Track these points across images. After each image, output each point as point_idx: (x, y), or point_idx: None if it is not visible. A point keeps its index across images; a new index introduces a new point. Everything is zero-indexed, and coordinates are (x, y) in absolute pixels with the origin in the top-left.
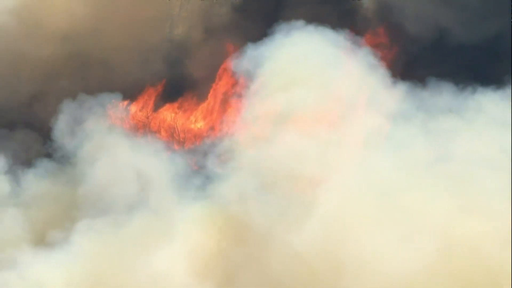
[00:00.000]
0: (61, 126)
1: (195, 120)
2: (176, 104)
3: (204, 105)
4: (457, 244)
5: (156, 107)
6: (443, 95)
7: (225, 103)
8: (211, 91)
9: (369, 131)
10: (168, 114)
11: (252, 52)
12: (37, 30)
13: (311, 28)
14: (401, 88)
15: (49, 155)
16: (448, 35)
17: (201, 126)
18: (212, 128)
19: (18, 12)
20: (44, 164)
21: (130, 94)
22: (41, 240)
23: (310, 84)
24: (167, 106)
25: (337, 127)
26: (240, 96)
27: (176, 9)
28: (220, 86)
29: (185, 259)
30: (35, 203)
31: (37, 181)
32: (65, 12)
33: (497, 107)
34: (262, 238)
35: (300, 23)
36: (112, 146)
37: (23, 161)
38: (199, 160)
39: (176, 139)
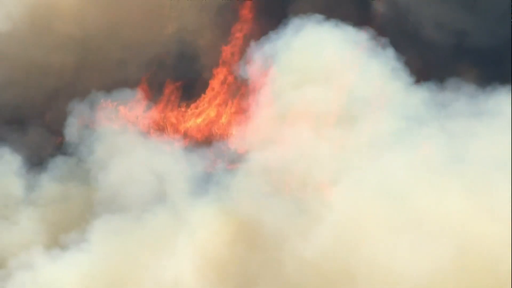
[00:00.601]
0: (74, 126)
1: (190, 118)
2: (174, 103)
3: (205, 103)
4: (473, 249)
5: (162, 107)
6: (461, 97)
7: (227, 101)
8: (211, 89)
9: (384, 133)
10: (168, 112)
11: (261, 48)
12: (48, 34)
13: (327, 24)
14: (419, 89)
15: (63, 155)
16: (467, 37)
17: (195, 124)
18: (213, 127)
19: (30, 19)
20: (59, 164)
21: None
22: (56, 240)
23: (323, 83)
24: (166, 104)
25: (351, 128)
26: (246, 95)
27: (179, 9)
28: (221, 84)
29: (198, 264)
30: (49, 203)
31: (52, 182)
32: (75, 17)
33: None
34: (275, 243)
35: (317, 17)
36: (125, 145)
37: (38, 161)
38: (211, 162)
39: (176, 138)
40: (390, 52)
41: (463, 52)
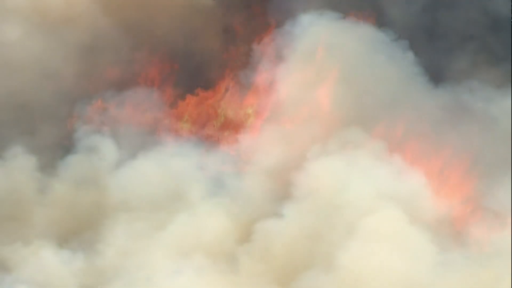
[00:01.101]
0: (86, 127)
1: (195, 119)
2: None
3: (210, 103)
4: (490, 255)
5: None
6: (478, 99)
7: (234, 102)
8: (217, 89)
9: (398, 136)
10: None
11: (268, 46)
12: (59, 40)
13: (344, 22)
14: (435, 91)
15: (75, 156)
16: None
17: (200, 124)
18: (220, 127)
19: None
20: (70, 166)
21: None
22: (67, 242)
23: (336, 84)
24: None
25: (365, 130)
26: (254, 95)
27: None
28: (227, 83)
29: (207, 265)
30: (61, 204)
31: (63, 183)
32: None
33: None
34: (285, 246)
35: (331, 15)
36: (136, 146)
37: (50, 162)
38: (222, 163)
39: (183, 138)
40: (410, 55)
41: (480, 55)
